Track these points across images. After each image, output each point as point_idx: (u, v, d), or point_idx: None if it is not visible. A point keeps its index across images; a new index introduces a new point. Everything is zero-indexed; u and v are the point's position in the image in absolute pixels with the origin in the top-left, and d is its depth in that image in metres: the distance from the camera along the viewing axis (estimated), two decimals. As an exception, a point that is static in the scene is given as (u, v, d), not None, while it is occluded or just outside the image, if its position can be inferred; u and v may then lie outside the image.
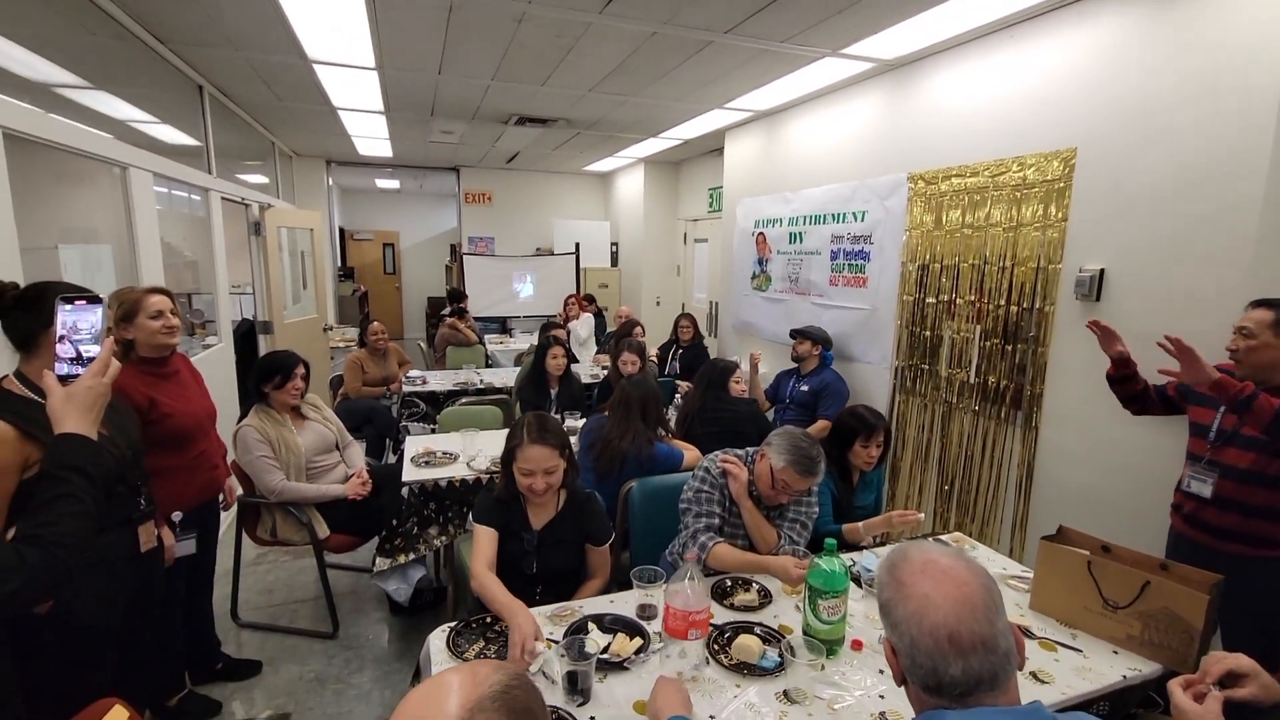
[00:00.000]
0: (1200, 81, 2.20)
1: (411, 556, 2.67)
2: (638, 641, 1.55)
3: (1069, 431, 2.70)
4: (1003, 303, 2.94)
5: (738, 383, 3.14)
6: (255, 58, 3.74)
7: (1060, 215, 2.68)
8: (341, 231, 10.20)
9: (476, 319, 7.17)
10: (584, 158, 7.33)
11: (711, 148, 6.32)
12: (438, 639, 1.58)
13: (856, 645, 1.60)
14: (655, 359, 4.76)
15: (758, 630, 1.64)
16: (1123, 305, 2.46)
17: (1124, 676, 1.53)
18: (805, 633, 1.58)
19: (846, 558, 2.05)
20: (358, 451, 3.02)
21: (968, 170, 3.09)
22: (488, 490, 1.99)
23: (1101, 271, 2.52)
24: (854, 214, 3.88)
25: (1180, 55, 2.26)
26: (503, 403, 4.14)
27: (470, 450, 2.95)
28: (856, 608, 1.76)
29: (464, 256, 7.86)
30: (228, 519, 3.11)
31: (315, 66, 3.86)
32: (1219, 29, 2.16)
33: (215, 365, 3.79)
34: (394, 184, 10.05)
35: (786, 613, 1.76)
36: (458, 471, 2.79)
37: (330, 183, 8.11)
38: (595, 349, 5.80)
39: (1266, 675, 1.22)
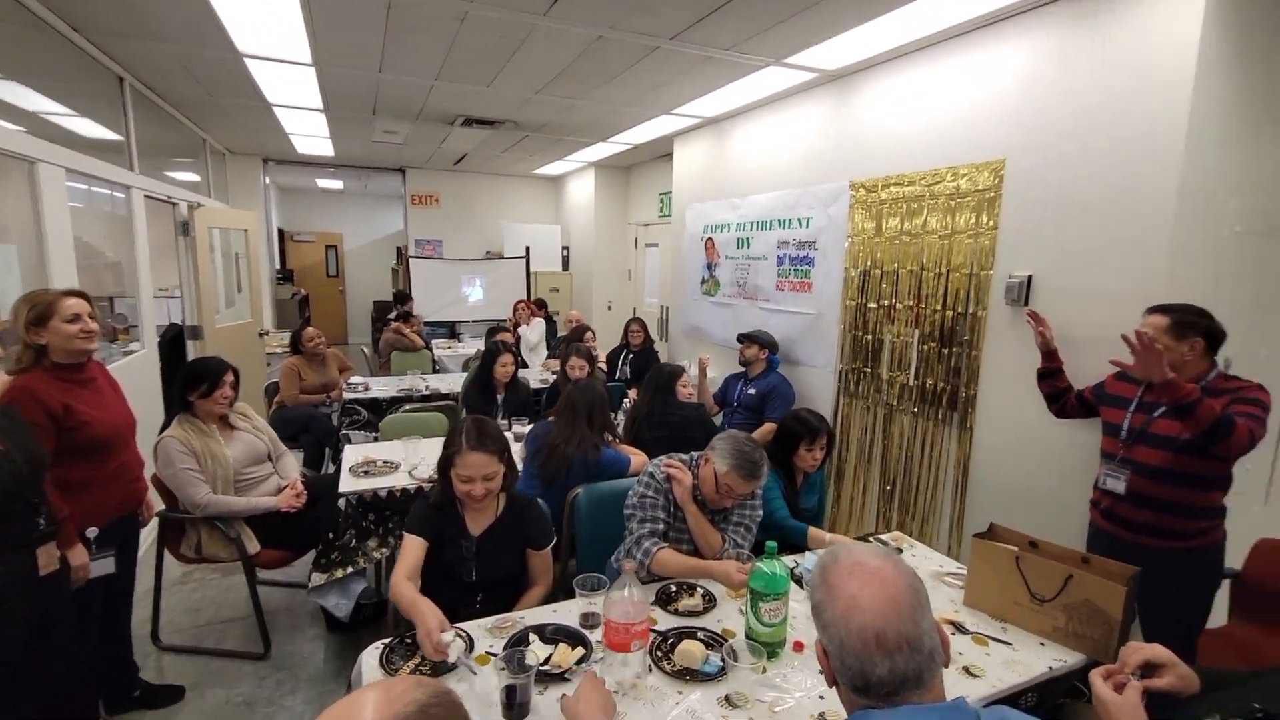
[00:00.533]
0: (1117, 104, 2.33)
1: (350, 570, 2.57)
2: (579, 651, 1.52)
3: (1001, 431, 2.81)
4: (939, 307, 3.04)
5: (685, 387, 3.15)
6: (181, 50, 3.56)
7: (991, 224, 2.79)
8: (281, 233, 9.81)
9: (424, 323, 7.00)
10: (533, 160, 7.27)
11: (661, 153, 6.36)
12: (370, 657, 1.52)
13: (798, 647, 1.62)
14: (604, 364, 4.74)
15: (701, 635, 1.63)
16: (1049, 310, 2.57)
17: (1050, 668, 1.59)
18: (747, 636, 1.59)
19: (789, 559, 2.08)
20: (292, 462, 2.89)
21: (905, 179, 3.19)
22: (424, 497, 1.94)
23: (1030, 278, 2.64)
24: (799, 220, 3.96)
25: (1099, 78, 2.38)
26: (449, 409, 4.05)
27: (413, 458, 2.86)
28: (798, 609, 1.78)
29: (410, 259, 7.67)
30: (148, 536, 2.93)
31: (247, 61, 3.70)
32: (1131, 57, 2.28)
33: (137, 373, 3.58)
34: (337, 184, 9.75)
35: (730, 616, 1.76)
36: (399, 481, 2.71)
37: (267, 181, 7.80)
38: (546, 354, 5.75)
39: (1184, 666, 1.28)
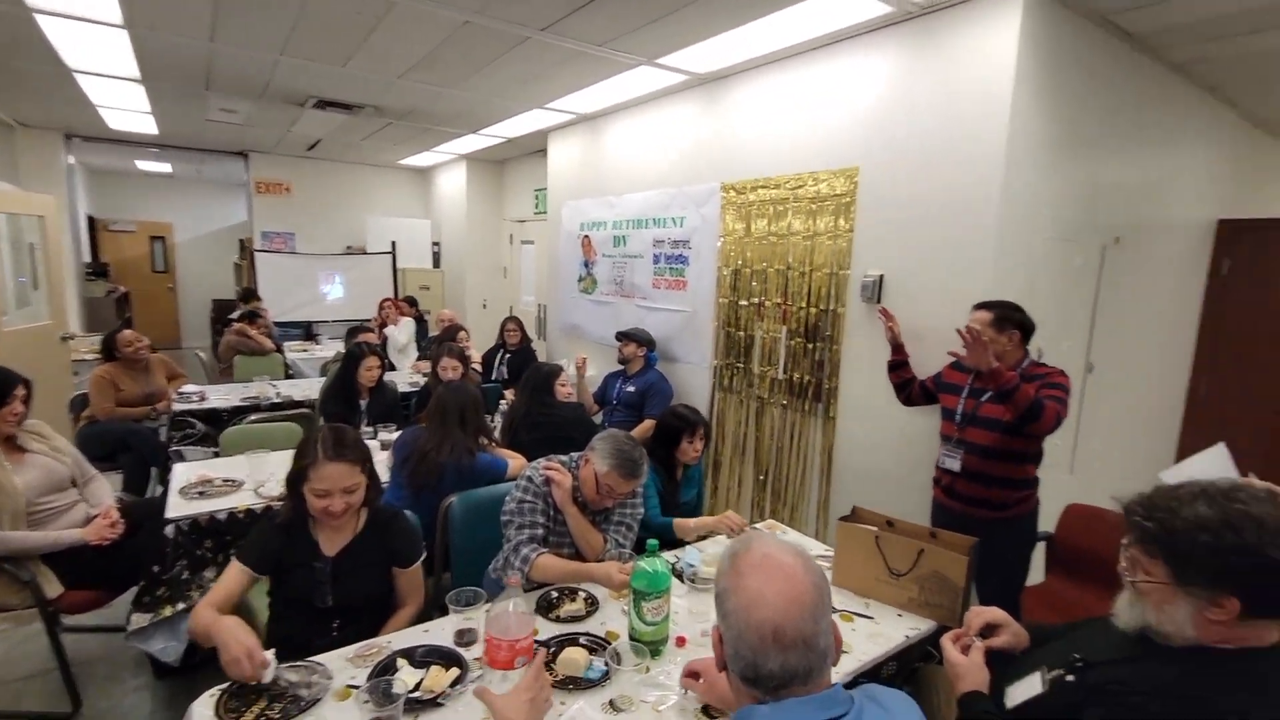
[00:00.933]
0: (951, 122, 2.58)
1: (181, 607, 2.25)
2: (454, 673, 1.42)
3: (860, 420, 3.03)
4: (804, 305, 3.22)
5: (564, 386, 3.09)
6: (-58, -6, 2.94)
7: (848, 227, 2.99)
8: (92, 221, 8.47)
9: (276, 324, 6.36)
10: (399, 150, 6.84)
11: (536, 148, 6.23)
12: (204, 707, 1.31)
13: (680, 642, 1.62)
14: (479, 365, 4.55)
15: (583, 641, 1.59)
16: (897, 306, 2.80)
17: (906, 636, 1.71)
18: (631, 637, 1.57)
19: (670, 555, 2.09)
20: (104, 486, 2.48)
21: (771, 183, 3.34)
22: (270, 518, 1.73)
23: (881, 277, 2.86)
24: (673, 220, 4.03)
25: (937, 98, 2.62)
26: (304, 417, 3.68)
27: (259, 474, 2.56)
28: (680, 604, 1.79)
29: (256, 253, 6.93)
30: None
31: (37, 17, 3.13)
32: (962, 81, 2.54)
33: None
34: (164, 167, 8.57)
35: (614, 618, 1.73)
36: (242, 500, 2.41)
37: (71, 161, 6.70)
38: (416, 355, 5.42)
39: (1016, 625, 1.43)
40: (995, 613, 1.46)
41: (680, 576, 1.92)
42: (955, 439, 2.34)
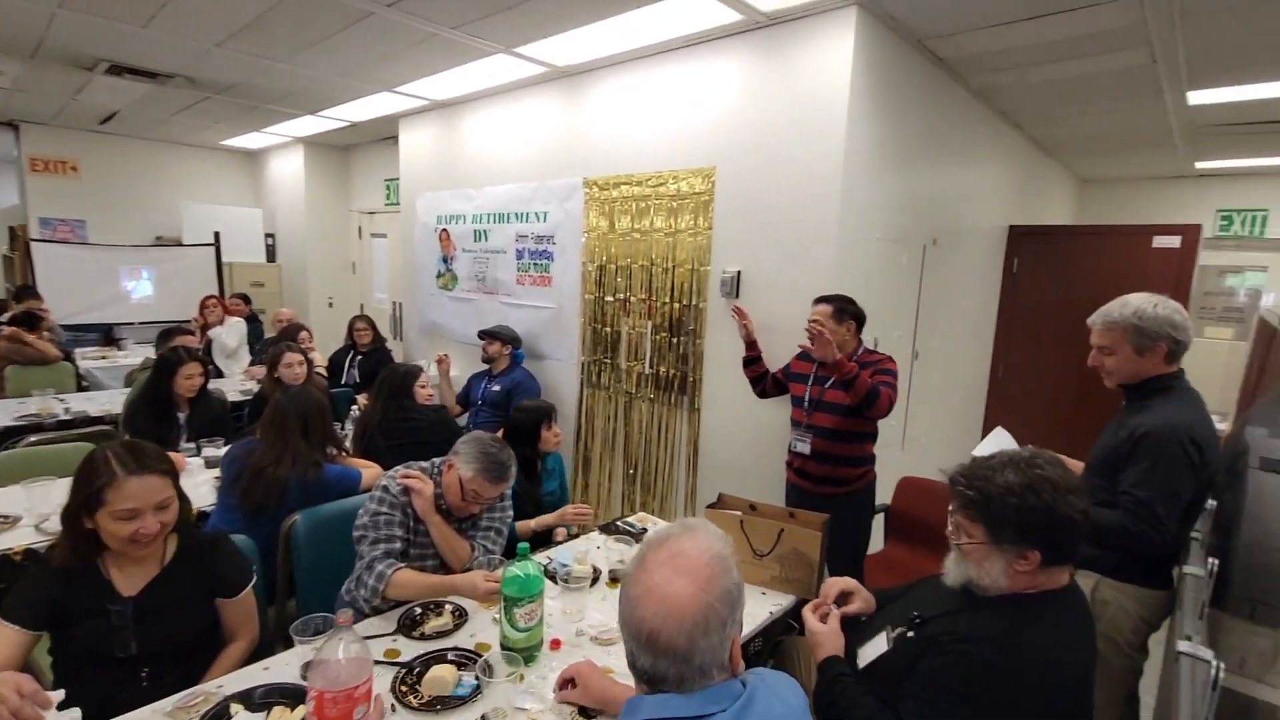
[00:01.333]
0: (798, 130, 2.75)
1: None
2: (301, 712, 1.27)
3: (722, 411, 3.16)
4: (668, 300, 3.30)
5: (424, 388, 2.91)
6: None
7: (707, 224, 3.10)
8: None
9: (64, 328, 5.39)
10: (221, 129, 6.07)
11: (386, 134, 5.82)
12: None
13: (555, 645, 1.58)
14: (324, 369, 4.17)
15: (452, 656, 1.50)
16: (755, 301, 2.95)
17: (770, 613, 1.80)
18: (503, 646, 1.50)
19: (541, 556, 2.04)
20: None
21: (633, 179, 3.38)
22: (42, 563, 1.44)
23: (739, 273, 2.99)
24: (536, 214, 3.95)
25: (786, 105, 2.78)
26: (105, 435, 3.14)
27: (42, 507, 2.14)
28: (554, 605, 1.74)
29: (33, 244, 5.82)
30: None
31: None
32: (806, 93, 2.71)
33: None
34: (-104, 136, 6.91)
35: (485, 629, 1.65)
36: (19, 539, 2.00)
37: None
38: (250, 360, 4.85)
39: (865, 590, 1.56)
40: (848, 582, 1.59)
41: (553, 578, 1.88)
42: (804, 424, 2.52)
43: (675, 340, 3.29)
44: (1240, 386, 2.50)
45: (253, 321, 5.44)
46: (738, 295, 3.00)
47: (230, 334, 4.87)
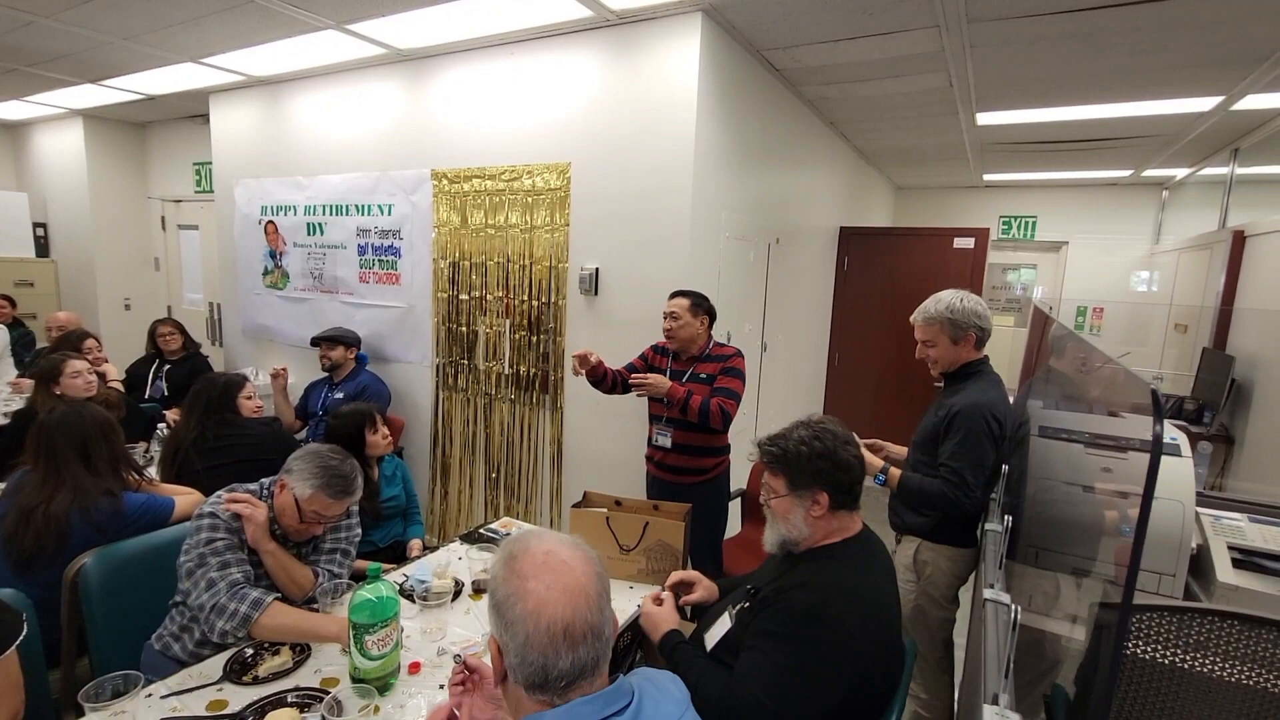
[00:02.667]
0: (651, 130, 2.79)
1: None
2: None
3: (584, 409, 3.14)
4: (526, 298, 3.22)
5: (250, 399, 2.58)
6: None
7: (564, 221, 3.06)
8: None
9: None
10: (-35, 94, 4.96)
11: (193, 111, 5.11)
12: None
13: (414, 668, 1.47)
14: (119, 382, 3.58)
15: (292, 699, 1.34)
16: (613, 298, 2.97)
17: (638, 605, 1.82)
18: (353, 678, 1.37)
19: (396, 575, 1.90)
20: None
21: (486, 173, 3.25)
22: None
23: (597, 269, 3.00)
24: (380, 207, 3.67)
25: (639, 105, 2.82)
26: None
27: None
28: (411, 625, 1.63)
29: None
30: None
31: None
32: (657, 95, 2.76)
33: None
34: None
35: (331, 663, 1.49)
36: None
37: None
38: (16, 373, 4.03)
39: (708, 581, 1.66)
40: (690, 573, 1.69)
41: (410, 597, 1.75)
42: (665, 418, 2.57)
43: (535, 339, 3.22)
44: (1022, 366, 2.95)
45: (15, 327, 4.53)
46: (596, 292, 3.00)
47: (-12, 344, 4.01)
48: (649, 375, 2.41)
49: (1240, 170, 4.54)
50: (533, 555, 0.91)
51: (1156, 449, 0.71)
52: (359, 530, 1.86)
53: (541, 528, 0.99)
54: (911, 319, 2.08)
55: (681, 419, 2.51)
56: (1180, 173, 5.63)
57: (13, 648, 1.31)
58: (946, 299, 1.99)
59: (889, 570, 1.42)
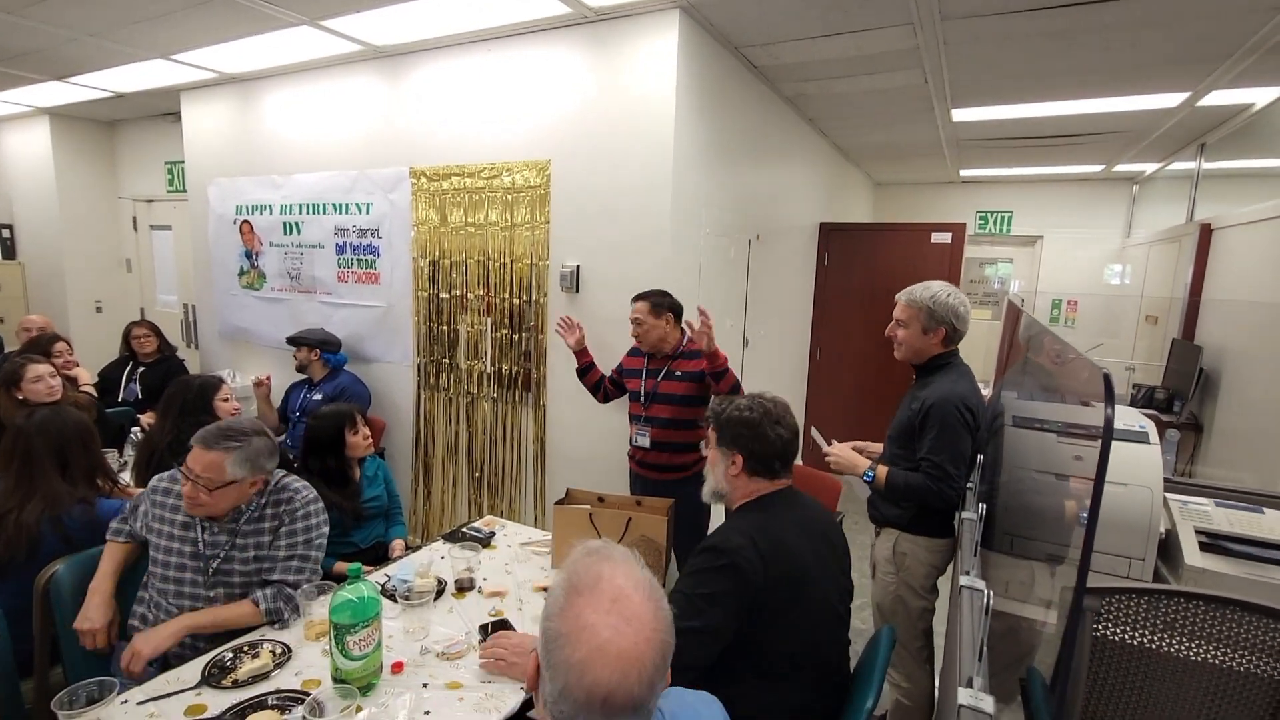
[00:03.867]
0: (631, 128, 2.79)
1: None
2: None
3: (567, 406, 3.14)
4: (507, 295, 3.21)
5: (226, 401, 2.55)
6: None
7: (544, 218, 3.05)
8: None
9: None
10: (-74, 93, 4.82)
11: (165, 110, 5.01)
12: None
13: (397, 668, 1.47)
14: (91, 386, 3.50)
15: (273, 701, 1.33)
16: (595, 295, 2.97)
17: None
18: (335, 679, 1.36)
19: (378, 575, 1.89)
20: None
21: (465, 171, 3.23)
22: None
23: (578, 267, 2.99)
24: (358, 205, 3.63)
25: (618, 103, 2.81)
26: None
27: None
28: (393, 626, 1.62)
29: None
30: None
31: None
32: (636, 93, 2.76)
33: None
34: None
35: (313, 665, 1.48)
36: None
37: None
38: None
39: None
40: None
41: (393, 597, 1.74)
42: (643, 417, 2.59)
43: (517, 337, 3.21)
44: (997, 358, 3.00)
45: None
46: (577, 290, 3.00)
47: (-47, 348, 3.90)
48: (706, 320, 2.40)
49: (1207, 165, 4.64)
50: (599, 595, 0.79)
51: (1107, 432, 0.73)
52: (323, 530, 1.79)
53: (614, 548, 0.85)
54: (897, 296, 2.10)
55: (659, 417, 2.52)
56: (1150, 167, 5.75)
57: None
58: (935, 289, 2.02)
59: (814, 520, 1.54)
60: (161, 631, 1.52)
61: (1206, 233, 4.24)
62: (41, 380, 2.70)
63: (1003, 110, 4.03)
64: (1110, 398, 0.73)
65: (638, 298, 2.53)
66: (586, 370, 2.78)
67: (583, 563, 0.83)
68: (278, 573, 1.68)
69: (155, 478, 1.72)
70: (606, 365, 2.85)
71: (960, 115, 4.14)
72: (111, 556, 1.69)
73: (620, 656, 0.75)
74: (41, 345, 3.29)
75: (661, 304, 2.51)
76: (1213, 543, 1.77)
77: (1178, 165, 5.33)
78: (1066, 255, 6.71)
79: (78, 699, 1.19)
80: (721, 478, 1.55)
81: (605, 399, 2.80)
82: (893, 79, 3.43)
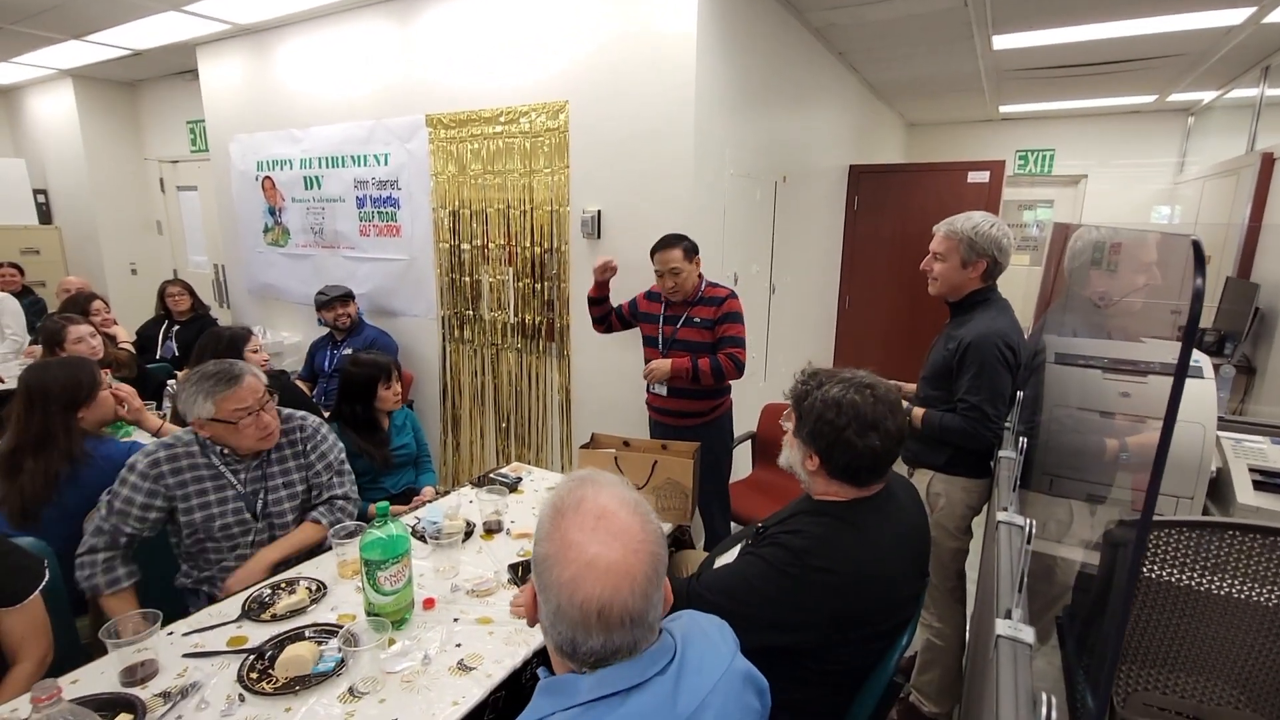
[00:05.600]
0: (651, 68, 2.67)
1: None
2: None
3: (590, 354, 3.12)
4: (528, 244, 3.16)
5: (257, 352, 2.58)
6: None
7: (563, 163, 2.97)
8: None
9: None
10: (-49, 57, 4.86)
11: (183, 68, 4.98)
12: None
13: (429, 604, 1.49)
14: (129, 343, 3.59)
15: (310, 634, 1.36)
16: (616, 240, 2.91)
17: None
18: (368, 613, 1.39)
19: (409, 517, 1.92)
20: None
21: (481, 116, 3.14)
22: None
23: (599, 212, 2.92)
24: (376, 157, 3.59)
25: (637, 41, 2.68)
26: None
27: None
28: (424, 565, 1.65)
29: None
30: None
31: None
32: (655, 34, 2.63)
33: None
34: None
35: (347, 601, 1.52)
36: None
37: None
38: (28, 340, 4.05)
39: None
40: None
41: (422, 538, 1.77)
42: None
43: (539, 286, 3.18)
44: (1038, 297, 2.87)
45: (24, 295, 4.54)
46: (599, 235, 2.94)
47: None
48: (650, 365, 2.44)
49: (1271, 91, 4.31)
50: (584, 514, 0.79)
51: (1196, 304, 0.64)
52: (341, 445, 1.93)
53: (600, 474, 0.86)
54: (934, 228, 1.99)
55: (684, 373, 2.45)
56: (1207, 96, 5.37)
57: (36, 593, 1.34)
58: (977, 219, 1.91)
59: (906, 532, 1.32)
60: (251, 569, 1.63)
61: (1269, 163, 3.95)
62: (83, 341, 2.77)
63: (1048, 35, 3.77)
64: (1201, 266, 0.65)
65: (667, 245, 2.38)
66: (601, 300, 2.67)
67: (566, 486, 0.84)
68: (325, 491, 1.82)
69: (148, 460, 1.62)
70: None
71: (1002, 42, 3.88)
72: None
73: (610, 570, 0.75)
74: (79, 304, 3.37)
75: (693, 248, 2.40)
76: (1268, 480, 1.69)
77: (1238, 93, 4.96)
78: (1112, 196, 6.37)
79: (125, 629, 1.23)
80: (798, 465, 1.32)
81: (608, 330, 2.71)
82: (930, 2, 3.21)
